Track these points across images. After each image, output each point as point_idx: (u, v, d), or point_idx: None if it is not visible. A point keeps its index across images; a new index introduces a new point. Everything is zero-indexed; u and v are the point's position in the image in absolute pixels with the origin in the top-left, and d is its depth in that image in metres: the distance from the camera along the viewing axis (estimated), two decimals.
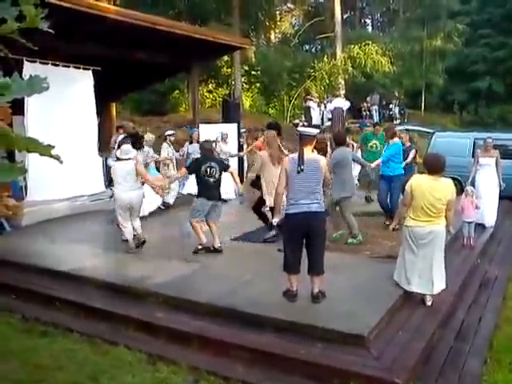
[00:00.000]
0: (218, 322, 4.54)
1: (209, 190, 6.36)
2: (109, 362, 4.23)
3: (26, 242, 7.08)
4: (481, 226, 8.31)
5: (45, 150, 1.18)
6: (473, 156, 10.42)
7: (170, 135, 10.22)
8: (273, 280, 5.18)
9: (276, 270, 5.02)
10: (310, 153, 4.77)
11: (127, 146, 6.64)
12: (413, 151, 9.33)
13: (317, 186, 4.67)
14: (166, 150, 9.90)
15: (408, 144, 9.41)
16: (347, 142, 8.53)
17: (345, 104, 19.20)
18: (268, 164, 6.71)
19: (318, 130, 5.17)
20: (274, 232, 6.69)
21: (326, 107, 19.53)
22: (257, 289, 5.10)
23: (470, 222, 7.39)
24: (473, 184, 8.37)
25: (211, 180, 6.35)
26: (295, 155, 4.75)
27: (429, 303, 5.00)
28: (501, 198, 8.80)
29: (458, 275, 5.99)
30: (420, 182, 4.90)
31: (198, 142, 10.07)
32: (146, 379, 3.98)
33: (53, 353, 4.41)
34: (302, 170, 4.58)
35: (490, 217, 8.56)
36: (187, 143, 10.87)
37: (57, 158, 1.23)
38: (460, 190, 8.00)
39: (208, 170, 6.33)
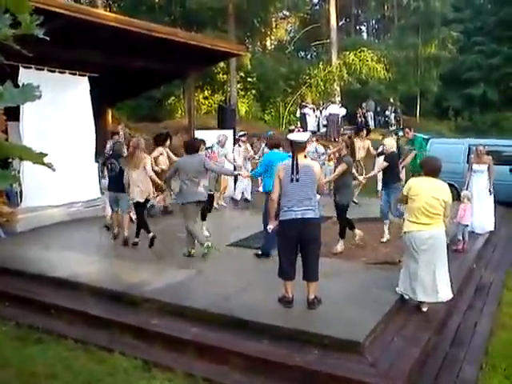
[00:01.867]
0: (214, 329, 4.53)
1: None
2: (104, 370, 4.20)
3: (20, 249, 7.05)
4: (476, 231, 8.35)
5: (37, 158, 1.18)
6: (467, 162, 10.47)
7: (241, 136, 11.08)
8: (269, 286, 5.17)
9: (272, 277, 5.00)
10: (303, 159, 4.76)
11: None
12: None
13: (310, 193, 4.65)
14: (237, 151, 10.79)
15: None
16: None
17: (340, 111, 19.30)
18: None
19: (308, 135, 5.17)
20: None
21: (321, 113, 19.63)
22: (253, 295, 5.09)
23: (465, 226, 7.44)
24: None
25: None
26: (289, 162, 4.75)
27: (424, 309, 4.99)
28: (497, 203, 8.83)
29: (454, 281, 5.99)
30: (419, 184, 4.94)
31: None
32: None
33: (47, 360, 4.37)
34: (297, 180, 4.58)
35: (487, 223, 8.58)
36: (263, 145, 11.07)
37: (49, 166, 1.23)
38: (456, 195, 8.03)
39: None
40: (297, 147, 4.74)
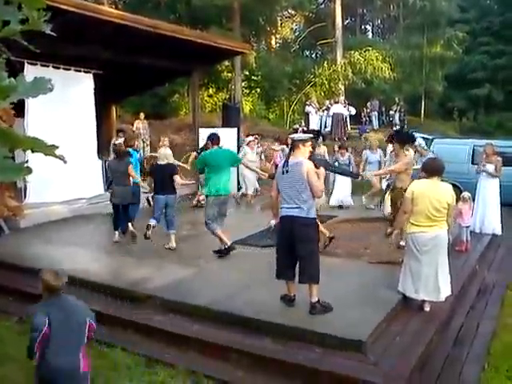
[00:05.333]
0: (217, 326, 4.54)
1: None
2: (106, 365, 4.22)
3: (23, 244, 7.08)
4: (476, 231, 8.34)
5: (49, 150, 1.19)
6: (472, 163, 10.43)
7: (250, 141, 11.13)
8: (271, 285, 5.17)
9: (274, 275, 5.01)
10: (297, 156, 4.72)
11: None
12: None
13: (300, 190, 4.56)
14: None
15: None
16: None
17: (344, 110, 19.25)
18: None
19: (309, 135, 5.08)
20: None
21: (327, 112, 19.55)
22: (255, 293, 5.09)
23: (467, 227, 7.44)
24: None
25: None
26: (284, 160, 4.91)
27: (427, 309, 4.99)
28: (501, 204, 8.80)
29: (457, 281, 5.98)
30: (421, 187, 4.90)
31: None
32: (143, 383, 3.98)
33: None
34: (287, 172, 4.64)
35: (492, 224, 8.55)
36: (366, 150, 10.87)
37: (61, 158, 1.24)
38: (460, 196, 8.01)
39: None
40: (293, 144, 4.88)
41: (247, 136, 12.10)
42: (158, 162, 7.33)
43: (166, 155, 7.30)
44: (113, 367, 4.19)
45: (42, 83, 1.27)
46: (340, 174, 9.16)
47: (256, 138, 11.73)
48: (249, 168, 8.65)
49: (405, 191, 5.95)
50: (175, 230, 7.02)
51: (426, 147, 6.89)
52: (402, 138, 7.08)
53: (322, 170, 5.38)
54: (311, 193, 4.59)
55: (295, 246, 4.59)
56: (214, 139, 6.71)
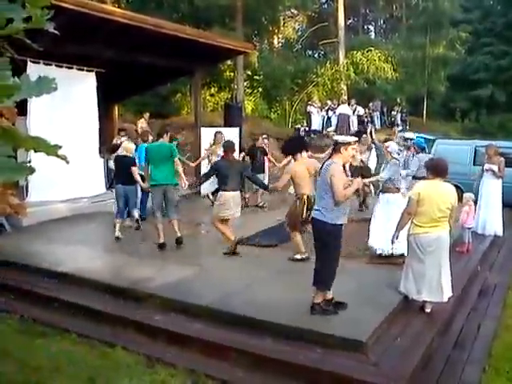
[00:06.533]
0: (217, 326, 4.54)
1: None
2: (107, 364, 4.23)
3: (25, 243, 7.08)
4: (479, 232, 8.33)
5: (52, 150, 1.19)
6: (474, 164, 10.40)
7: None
8: (273, 284, 5.18)
9: (276, 274, 5.01)
10: (333, 159, 4.63)
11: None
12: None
13: (322, 193, 4.60)
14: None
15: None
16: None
17: (358, 110, 19.27)
18: None
19: (354, 138, 4.88)
20: None
21: (333, 113, 19.48)
22: (256, 293, 5.09)
23: (469, 228, 7.43)
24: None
25: None
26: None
27: (428, 310, 4.98)
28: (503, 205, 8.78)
29: (458, 282, 5.97)
30: (427, 188, 4.88)
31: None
32: (143, 382, 3.97)
33: (50, 354, 4.40)
34: (319, 174, 4.74)
35: (493, 225, 8.54)
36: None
37: (63, 158, 1.24)
38: (461, 197, 7.99)
39: None
40: (334, 147, 4.76)
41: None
42: (118, 153, 7.95)
43: (125, 148, 7.84)
44: (113, 366, 4.19)
45: (46, 83, 1.27)
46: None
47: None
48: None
49: (299, 199, 6.13)
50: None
51: (396, 154, 6.53)
52: (292, 146, 6.74)
53: (358, 179, 4.72)
54: (333, 198, 4.47)
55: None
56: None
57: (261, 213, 9.78)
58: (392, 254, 6.14)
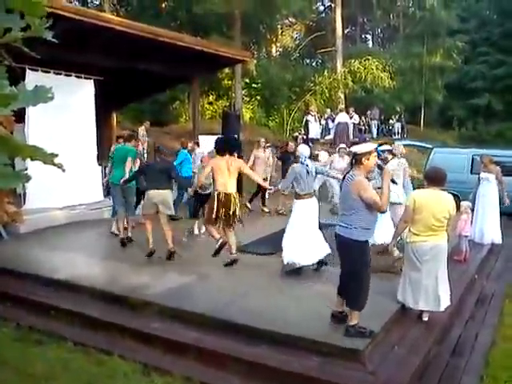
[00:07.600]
0: (214, 334, 4.52)
1: None
2: (103, 372, 4.21)
3: (23, 250, 7.06)
4: (476, 240, 8.34)
5: (48, 158, 1.20)
6: (471, 172, 10.44)
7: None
8: (270, 292, 5.16)
9: (273, 282, 5.00)
10: (354, 173, 4.30)
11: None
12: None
13: (345, 209, 4.33)
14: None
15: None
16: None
17: (355, 119, 19.34)
18: None
19: (373, 146, 4.58)
20: None
21: (332, 121, 19.55)
22: (253, 301, 5.08)
23: (466, 237, 7.44)
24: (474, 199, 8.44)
25: None
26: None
27: (425, 319, 4.98)
28: (501, 214, 8.80)
29: (456, 291, 5.97)
30: (424, 196, 4.86)
31: None
32: None
33: (47, 362, 4.37)
34: (341, 188, 4.51)
35: (491, 234, 8.54)
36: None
37: (59, 166, 1.25)
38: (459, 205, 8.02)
39: None
40: (354, 159, 4.39)
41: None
42: None
43: None
44: (110, 374, 4.17)
45: (43, 92, 1.28)
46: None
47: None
48: None
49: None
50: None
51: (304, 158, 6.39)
52: (222, 146, 6.56)
53: (386, 191, 4.30)
54: (364, 210, 4.20)
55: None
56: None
57: (263, 219, 9.81)
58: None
